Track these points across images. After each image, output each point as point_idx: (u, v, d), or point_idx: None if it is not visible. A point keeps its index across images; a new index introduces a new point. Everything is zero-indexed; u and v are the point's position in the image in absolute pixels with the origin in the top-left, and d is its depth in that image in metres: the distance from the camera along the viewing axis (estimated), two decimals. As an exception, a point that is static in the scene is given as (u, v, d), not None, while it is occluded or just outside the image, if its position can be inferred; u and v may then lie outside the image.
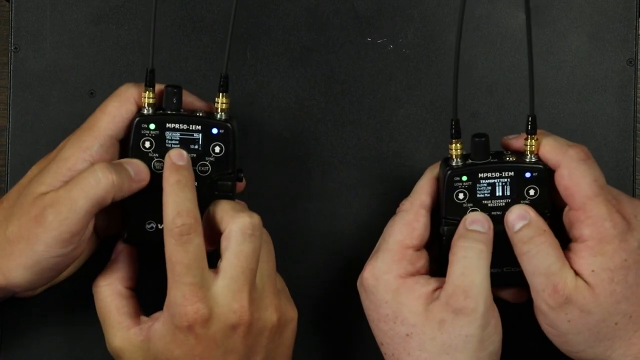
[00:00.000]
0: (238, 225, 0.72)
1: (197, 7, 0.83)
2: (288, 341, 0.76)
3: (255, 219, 0.73)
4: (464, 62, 0.83)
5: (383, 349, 0.75)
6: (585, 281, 0.72)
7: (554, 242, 0.73)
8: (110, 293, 0.75)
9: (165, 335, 0.72)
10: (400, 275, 0.74)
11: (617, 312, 0.72)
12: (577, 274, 0.72)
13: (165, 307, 0.72)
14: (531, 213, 0.74)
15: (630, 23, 0.83)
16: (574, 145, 0.74)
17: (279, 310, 0.74)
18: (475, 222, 0.74)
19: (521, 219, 0.73)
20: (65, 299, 0.81)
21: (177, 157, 0.74)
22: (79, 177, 0.73)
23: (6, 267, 0.73)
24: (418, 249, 0.75)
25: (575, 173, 0.72)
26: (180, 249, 0.71)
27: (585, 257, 0.72)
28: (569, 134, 0.77)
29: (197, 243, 0.71)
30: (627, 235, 0.72)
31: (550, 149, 0.74)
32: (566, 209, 0.74)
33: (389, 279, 0.74)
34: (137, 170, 0.75)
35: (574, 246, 0.73)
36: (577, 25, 0.83)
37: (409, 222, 0.75)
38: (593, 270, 0.72)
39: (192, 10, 0.83)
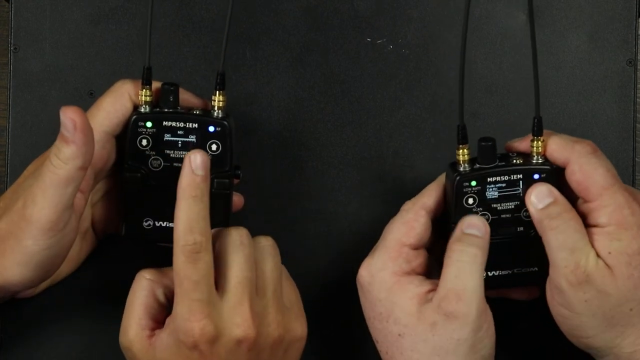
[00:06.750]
0: (226, 239, 0.73)
1: (196, 7, 0.83)
2: (292, 359, 0.75)
3: (242, 229, 0.73)
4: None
5: (378, 347, 0.75)
6: (604, 262, 0.72)
7: (580, 220, 0.73)
8: (150, 289, 0.73)
9: (170, 346, 0.71)
10: (395, 273, 0.74)
11: (633, 298, 0.72)
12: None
13: (171, 320, 0.72)
14: (555, 192, 0.74)
15: (630, 23, 0.83)
16: (579, 141, 0.74)
17: (283, 327, 0.73)
18: (472, 226, 0.74)
19: (547, 196, 0.73)
20: (65, 299, 0.81)
21: (197, 165, 0.72)
22: (43, 165, 0.72)
23: (2, 266, 0.73)
24: (415, 248, 0.75)
25: (585, 167, 0.73)
26: (190, 266, 0.70)
27: (602, 240, 0.72)
28: (569, 134, 0.77)
29: (207, 260, 0.71)
30: None
31: (557, 147, 0.74)
32: (579, 202, 0.74)
33: (384, 276, 0.74)
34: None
35: (591, 230, 0.73)
36: (577, 25, 0.83)
37: (408, 221, 0.75)
38: (610, 252, 0.72)
39: (192, 10, 0.83)
